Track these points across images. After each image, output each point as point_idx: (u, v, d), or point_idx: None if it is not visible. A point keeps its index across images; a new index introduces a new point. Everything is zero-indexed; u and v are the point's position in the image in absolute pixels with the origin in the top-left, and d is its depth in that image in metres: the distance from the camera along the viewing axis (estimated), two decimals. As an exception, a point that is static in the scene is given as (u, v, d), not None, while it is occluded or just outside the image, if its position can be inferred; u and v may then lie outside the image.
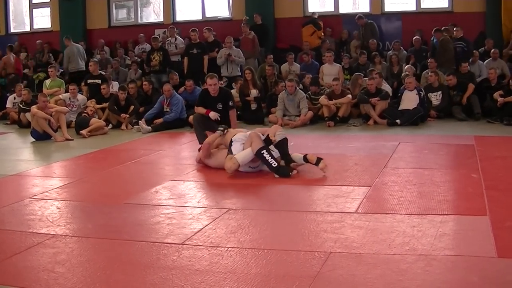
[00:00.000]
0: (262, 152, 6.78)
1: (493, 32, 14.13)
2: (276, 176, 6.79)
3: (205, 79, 9.18)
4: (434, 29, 13.65)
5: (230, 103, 8.92)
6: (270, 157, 6.77)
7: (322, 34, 15.17)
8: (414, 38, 14.28)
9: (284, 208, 5.65)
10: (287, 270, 3.96)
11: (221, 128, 7.60)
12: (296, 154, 7.26)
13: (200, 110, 8.90)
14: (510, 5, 14.22)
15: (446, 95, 11.78)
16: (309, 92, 12.33)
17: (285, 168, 6.84)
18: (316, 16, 15.45)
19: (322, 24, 15.25)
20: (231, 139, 7.22)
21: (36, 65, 16.91)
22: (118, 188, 6.77)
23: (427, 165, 7.39)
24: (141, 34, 16.50)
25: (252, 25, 15.04)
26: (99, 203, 6.01)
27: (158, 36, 15.09)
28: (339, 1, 16.19)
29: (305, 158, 7.00)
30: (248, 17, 15.32)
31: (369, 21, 14.96)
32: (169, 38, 15.21)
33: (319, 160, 6.91)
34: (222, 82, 11.47)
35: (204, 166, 7.62)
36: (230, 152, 7.12)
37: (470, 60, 12.89)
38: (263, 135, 7.14)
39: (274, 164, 6.76)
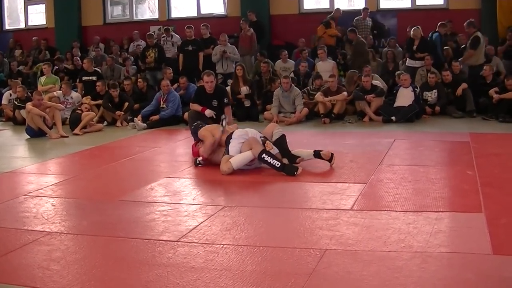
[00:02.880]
0: (263, 156, 6.76)
1: (489, 29, 14.13)
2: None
3: (202, 76, 9.19)
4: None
5: (225, 100, 8.94)
6: (271, 159, 6.74)
7: (336, 32, 14.98)
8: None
9: (280, 205, 5.66)
10: (283, 267, 3.96)
11: (221, 128, 7.56)
12: (300, 150, 7.26)
13: (195, 107, 8.91)
14: (505, 2, 14.23)
15: (443, 92, 11.79)
16: (308, 87, 12.35)
17: (291, 167, 6.78)
18: (339, 14, 15.22)
19: (333, 23, 15.03)
20: (230, 138, 7.17)
21: (33, 62, 16.88)
22: (113, 185, 6.76)
23: (423, 162, 7.40)
24: (136, 31, 16.45)
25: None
26: (94, 200, 6.00)
27: (153, 33, 15.05)
28: (334, -2, 16.18)
29: (318, 155, 7.01)
30: (243, 18, 15.23)
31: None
32: (164, 35, 15.20)
33: (332, 155, 6.99)
34: (217, 79, 11.44)
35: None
36: (227, 151, 7.09)
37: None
38: (261, 132, 7.18)
39: (278, 164, 6.72)
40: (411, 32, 12.94)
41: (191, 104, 9.17)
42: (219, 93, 9.00)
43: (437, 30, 13.08)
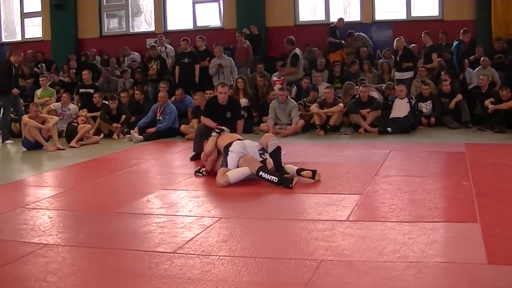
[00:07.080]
0: (260, 174, 6.78)
1: (483, 40, 14.21)
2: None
3: (216, 87, 9.00)
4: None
5: (241, 112, 8.82)
6: (269, 175, 6.75)
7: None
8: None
9: (276, 216, 5.67)
10: (279, 278, 3.97)
11: (217, 131, 7.54)
12: (289, 165, 7.24)
13: (208, 122, 8.60)
14: (500, 13, 14.32)
15: (437, 103, 11.84)
16: (305, 98, 12.38)
17: (287, 180, 6.75)
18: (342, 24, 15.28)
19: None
20: (228, 147, 7.15)
21: (29, 75, 16.86)
22: (109, 197, 6.77)
23: (418, 172, 7.41)
24: (125, 47, 16.49)
25: (248, 35, 15.11)
26: (91, 212, 6.01)
27: (155, 44, 15.09)
28: (330, 10, 16.25)
29: (299, 174, 6.97)
30: (239, 30, 15.28)
31: (360, 33, 15.13)
32: (159, 47, 15.22)
33: (314, 173, 6.91)
34: (210, 92, 11.38)
35: (196, 175, 7.64)
36: (225, 162, 7.09)
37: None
38: (260, 144, 7.22)
39: (275, 179, 6.72)
40: (395, 43, 13.06)
41: (202, 117, 8.81)
42: (232, 104, 8.83)
43: (460, 38, 12.97)
